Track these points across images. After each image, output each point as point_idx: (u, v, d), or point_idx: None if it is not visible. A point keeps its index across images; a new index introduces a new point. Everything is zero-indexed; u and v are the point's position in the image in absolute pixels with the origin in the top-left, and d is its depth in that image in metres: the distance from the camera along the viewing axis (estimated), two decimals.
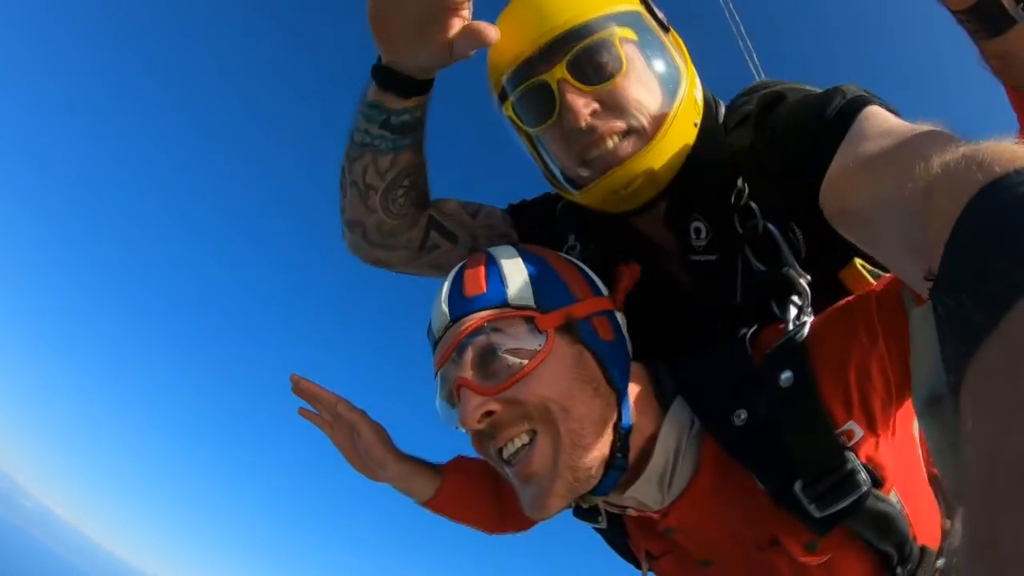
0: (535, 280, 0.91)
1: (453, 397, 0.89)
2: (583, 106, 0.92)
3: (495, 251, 0.97)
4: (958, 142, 0.58)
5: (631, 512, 0.97)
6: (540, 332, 0.86)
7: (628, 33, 0.95)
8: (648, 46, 0.97)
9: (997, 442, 0.31)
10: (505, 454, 0.87)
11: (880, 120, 0.76)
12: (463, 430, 0.88)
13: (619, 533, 1.09)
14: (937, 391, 0.40)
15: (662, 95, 0.96)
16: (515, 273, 0.91)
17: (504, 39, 0.93)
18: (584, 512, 1.08)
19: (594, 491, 0.88)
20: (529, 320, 0.87)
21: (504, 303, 0.88)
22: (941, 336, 0.41)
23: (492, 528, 1.31)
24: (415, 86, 0.95)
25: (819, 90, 0.90)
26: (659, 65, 0.97)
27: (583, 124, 0.92)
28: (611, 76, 0.92)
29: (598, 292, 0.95)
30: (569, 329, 0.88)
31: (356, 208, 1.08)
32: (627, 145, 0.94)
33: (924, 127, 0.68)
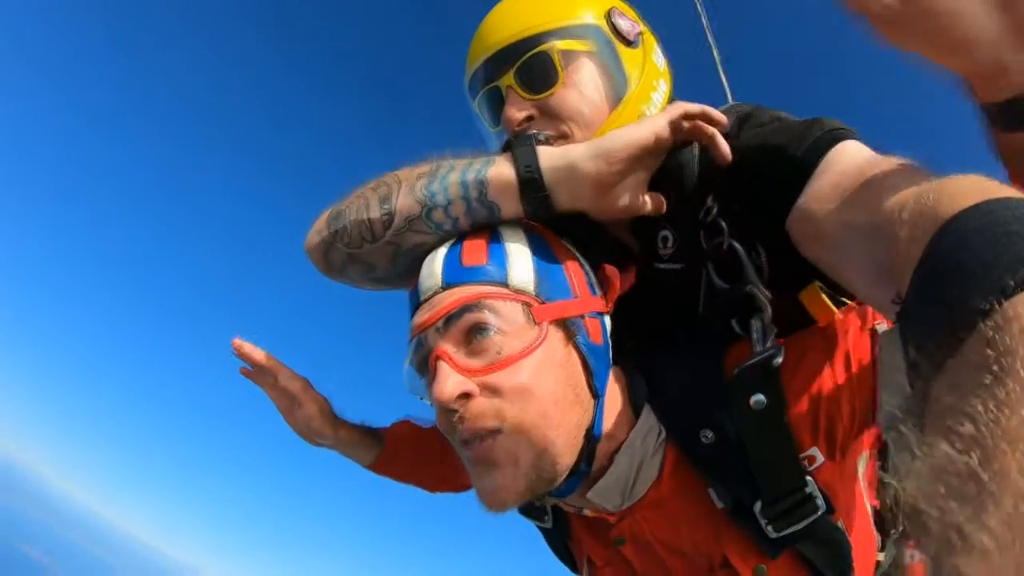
0: (537, 265, 0.87)
1: (426, 366, 0.85)
2: (516, 112, 0.98)
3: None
4: (928, 175, 0.61)
5: (587, 512, 0.95)
6: (535, 323, 0.83)
7: (577, 45, 0.99)
8: (599, 60, 1.00)
9: (956, 462, 0.32)
10: (467, 435, 0.82)
11: (855, 152, 0.79)
12: (429, 402, 0.83)
13: (562, 533, 1.08)
14: (903, 410, 0.41)
15: (602, 108, 0.99)
16: (518, 253, 0.87)
17: (475, 41, 1.03)
18: (531, 510, 1.06)
19: (553, 493, 0.86)
20: (526, 307, 0.83)
21: (504, 282, 0.84)
22: (907, 358, 0.43)
23: (433, 488, 1.35)
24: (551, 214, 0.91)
25: (794, 118, 0.93)
26: (606, 79, 1.00)
27: (515, 130, 0.98)
28: (549, 87, 0.97)
29: (593, 290, 0.93)
30: (563, 326, 0.85)
31: (379, 259, 0.97)
32: None
33: (897, 160, 0.70)
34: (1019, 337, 0.34)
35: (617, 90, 1.00)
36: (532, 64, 0.97)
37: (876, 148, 0.79)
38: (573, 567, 1.12)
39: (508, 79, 0.99)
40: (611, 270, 0.94)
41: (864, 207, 0.65)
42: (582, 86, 0.98)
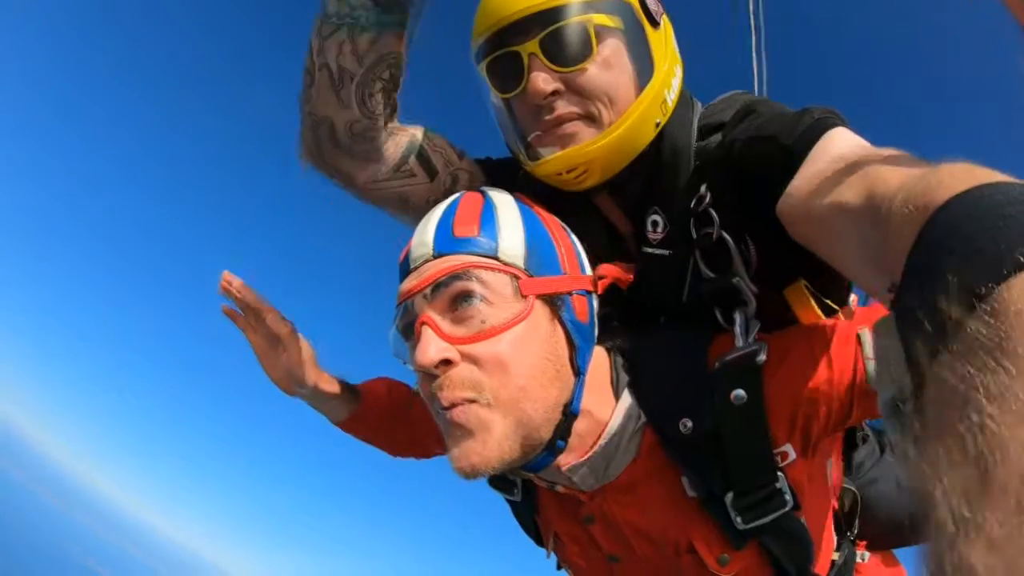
0: (529, 240, 0.87)
1: (411, 331, 0.86)
2: (544, 83, 0.92)
3: (494, 195, 0.93)
4: (919, 162, 0.61)
5: (560, 489, 0.95)
6: (522, 296, 0.83)
7: (609, 21, 0.94)
8: (628, 38, 0.96)
9: (959, 444, 0.31)
10: (444, 403, 0.82)
11: (845, 140, 0.79)
12: (412, 367, 0.84)
13: (530, 508, 1.08)
14: (901, 395, 0.41)
15: (628, 90, 0.96)
16: (511, 226, 0.87)
17: (492, 3, 0.96)
18: (500, 482, 1.07)
19: (525, 467, 0.86)
20: (514, 279, 0.84)
21: (493, 254, 0.84)
22: (904, 344, 0.42)
23: (396, 453, 1.36)
24: None
25: (791, 110, 0.93)
26: (634, 60, 0.96)
27: (542, 102, 0.94)
28: (579, 61, 0.93)
29: (582, 269, 0.93)
30: (550, 301, 0.85)
31: (325, 99, 0.95)
32: (580, 132, 0.95)
33: (887, 149, 0.71)
34: (1015, 319, 0.33)
35: (643, 73, 0.97)
36: (564, 34, 0.92)
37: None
38: (538, 540, 1.13)
39: (532, 46, 0.93)
40: (610, 268, 0.94)
41: (857, 191, 0.64)
42: (613, 65, 0.94)
